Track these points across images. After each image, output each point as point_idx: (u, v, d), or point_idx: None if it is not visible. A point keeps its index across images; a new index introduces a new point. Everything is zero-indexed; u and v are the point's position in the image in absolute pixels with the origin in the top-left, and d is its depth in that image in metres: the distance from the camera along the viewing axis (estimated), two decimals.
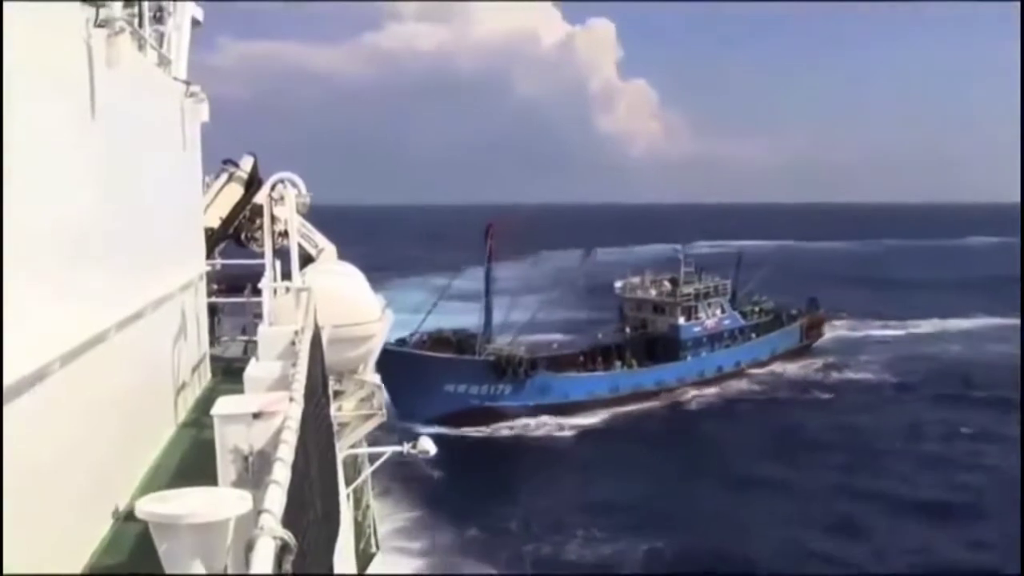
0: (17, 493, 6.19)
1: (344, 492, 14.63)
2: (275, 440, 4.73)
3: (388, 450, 15.97)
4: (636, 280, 72.11)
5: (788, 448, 52.06)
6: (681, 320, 67.86)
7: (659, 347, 66.76)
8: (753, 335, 72.99)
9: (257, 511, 3.53)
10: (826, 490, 45.24)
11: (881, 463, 49.32)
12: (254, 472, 4.90)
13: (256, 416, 5.13)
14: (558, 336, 69.60)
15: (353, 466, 17.99)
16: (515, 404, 58.32)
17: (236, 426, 5.11)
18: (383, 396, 14.17)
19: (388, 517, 37.80)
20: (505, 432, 57.01)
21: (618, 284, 72.27)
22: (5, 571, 5.89)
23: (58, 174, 7.43)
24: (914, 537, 39.02)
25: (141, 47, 11.79)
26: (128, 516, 7.27)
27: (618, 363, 63.91)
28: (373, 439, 17.00)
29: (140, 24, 11.90)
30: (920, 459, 49.73)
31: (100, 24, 8.50)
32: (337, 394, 13.83)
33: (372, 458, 16.84)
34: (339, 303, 12.62)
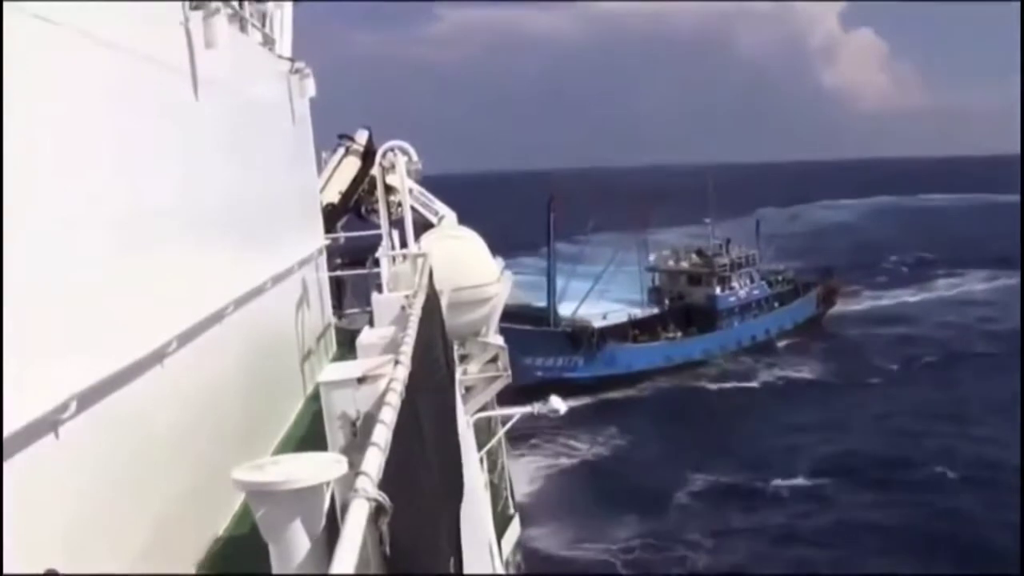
0: (144, 473, 6.33)
1: (476, 455, 14.70)
2: (381, 404, 4.65)
3: (518, 411, 15.93)
4: (667, 253, 73.47)
5: None
6: (717, 290, 68.21)
7: (696, 317, 67.04)
8: (776, 304, 72.93)
9: (355, 473, 3.44)
10: None
11: None
12: (361, 437, 4.84)
13: (361, 381, 5.05)
14: (614, 308, 67.78)
15: (487, 429, 18.02)
16: (586, 375, 58.14)
17: (342, 392, 5.05)
18: (507, 357, 14.09)
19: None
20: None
21: (651, 257, 73.16)
22: (140, 548, 6.04)
23: (157, 157, 7.48)
24: None
25: (243, 28, 11.89)
26: None
27: (670, 334, 64.61)
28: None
29: (241, 5, 11.99)
30: None
31: (195, 7, 8.56)
32: (463, 358, 13.81)
33: (504, 420, 16.84)
34: (456, 266, 12.54)
